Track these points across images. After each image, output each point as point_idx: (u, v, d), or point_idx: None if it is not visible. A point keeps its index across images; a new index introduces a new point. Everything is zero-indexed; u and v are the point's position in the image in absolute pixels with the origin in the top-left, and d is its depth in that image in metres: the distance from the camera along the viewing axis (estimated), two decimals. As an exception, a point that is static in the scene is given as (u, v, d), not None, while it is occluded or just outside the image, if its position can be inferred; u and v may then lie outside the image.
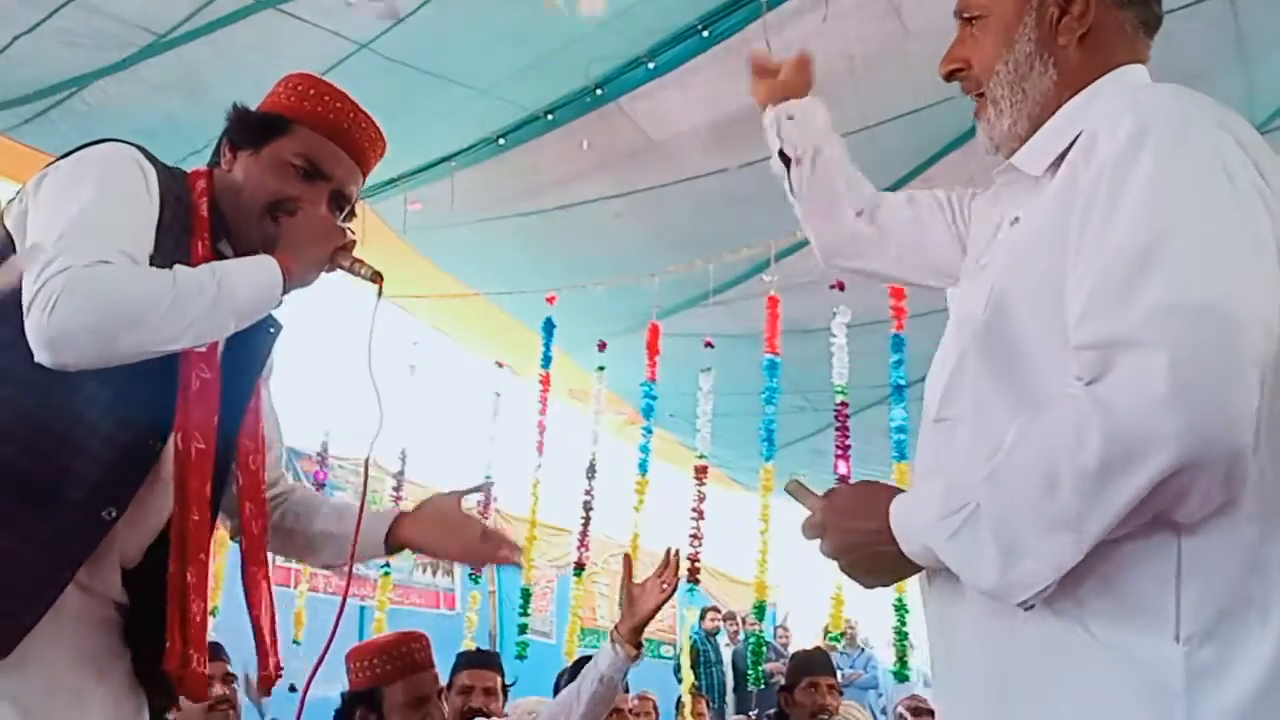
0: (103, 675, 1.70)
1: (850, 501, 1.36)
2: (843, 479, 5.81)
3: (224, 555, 6.83)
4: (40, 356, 1.48)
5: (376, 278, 1.86)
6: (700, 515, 6.54)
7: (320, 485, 7.50)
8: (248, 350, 1.85)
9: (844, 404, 5.84)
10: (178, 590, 1.63)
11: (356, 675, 3.02)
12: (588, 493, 6.98)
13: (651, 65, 5.04)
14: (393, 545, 2.07)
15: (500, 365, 7.55)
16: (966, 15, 1.47)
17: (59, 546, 1.58)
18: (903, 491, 1.30)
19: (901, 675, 6.54)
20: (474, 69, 5.07)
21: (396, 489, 7.64)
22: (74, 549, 1.60)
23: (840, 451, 5.82)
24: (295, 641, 6.92)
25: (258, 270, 1.68)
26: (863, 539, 1.31)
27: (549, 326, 6.86)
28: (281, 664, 1.91)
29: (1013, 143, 1.41)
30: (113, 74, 4.82)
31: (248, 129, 1.83)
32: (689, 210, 5.97)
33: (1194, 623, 1.12)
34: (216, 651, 3.71)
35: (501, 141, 5.63)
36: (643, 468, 6.76)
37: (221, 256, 1.74)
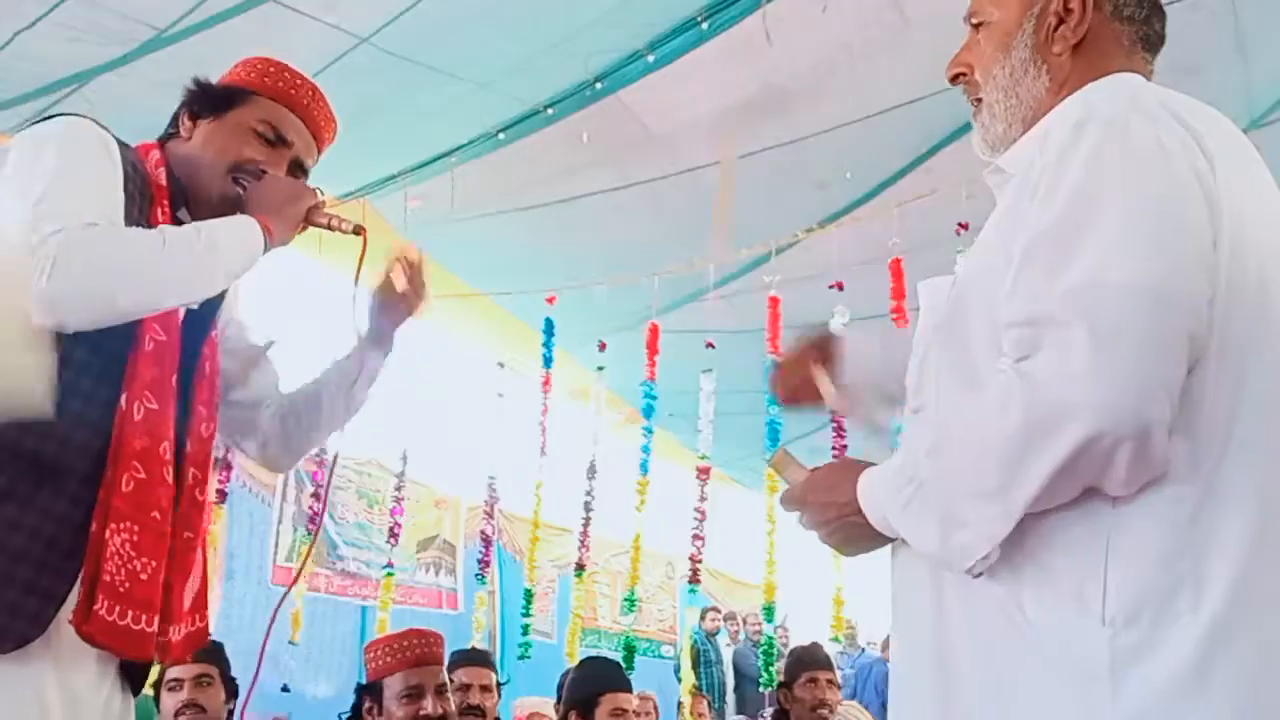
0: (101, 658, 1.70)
1: (826, 476, 1.44)
2: None
3: (218, 551, 6.85)
4: (38, 318, 1.49)
5: (359, 230, 1.90)
6: (703, 517, 6.55)
7: (319, 486, 7.49)
8: (199, 314, 1.85)
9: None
10: (95, 548, 1.60)
11: (367, 667, 3.14)
12: (588, 493, 6.97)
13: (651, 58, 5.06)
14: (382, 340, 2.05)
15: (501, 365, 7.54)
16: (974, 21, 1.51)
17: (77, 519, 1.60)
18: (873, 466, 1.36)
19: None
20: (474, 63, 5.08)
21: (398, 489, 7.60)
22: (87, 519, 1.61)
23: (836, 451, 5.82)
24: (291, 642, 6.89)
25: (241, 229, 1.73)
26: (837, 512, 1.37)
27: (549, 327, 6.87)
28: (209, 629, 1.86)
29: (1006, 146, 1.45)
30: (115, 69, 4.82)
31: (210, 98, 1.88)
32: (690, 202, 5.98)
33: (1119, 604, 1.13)
34: (213, 655, 3.59)
35: (501, 136, 5.63)
36: (644, 468, 6.76)
37: (180, 224, 1.76)
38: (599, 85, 5.24)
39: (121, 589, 1.60)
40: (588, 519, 7.00)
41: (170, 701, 3.38)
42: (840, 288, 5.57)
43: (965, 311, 1.32)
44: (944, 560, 1.23)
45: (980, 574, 1.20)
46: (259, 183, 1.82)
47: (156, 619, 1.66)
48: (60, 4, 4.37)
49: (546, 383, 6.98)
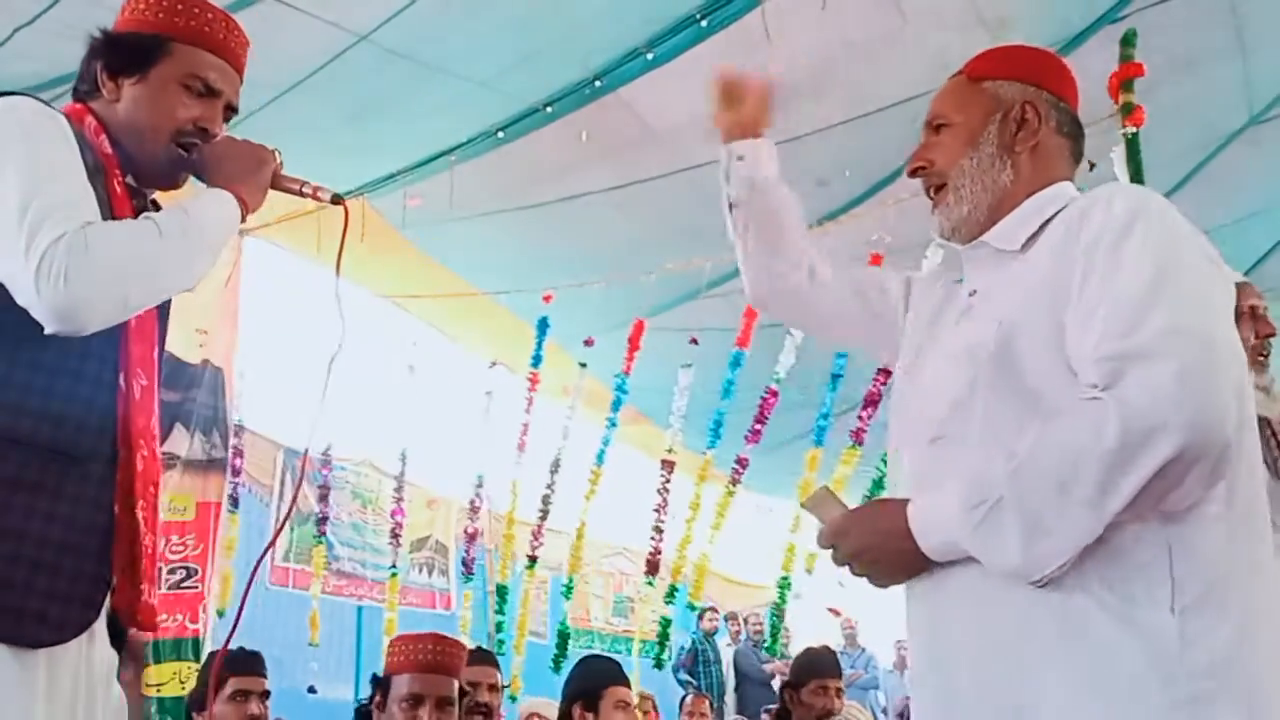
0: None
1: (872, 510, 1.67)
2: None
3: (231, 556, 6.84)
4: (53, 326, 1.49)
5: (338, 200, 1.87)
6: (663, 508, 6.58)
7: (325, 489, 7.50)
8: None
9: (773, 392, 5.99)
10: (127, 529, 1.62)
11: (386, 660, 3.14)
12: (549, 486, 7.00)
13: (650, 55, 5.06)
14: None
15: (493, 365, 7.53)
16: (936, 124, 1.74)
17: (105, 501, 1.61)
18: (914, 501, 1.54)
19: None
20: (473, 60, 5.08)
21: (397, 490, 7.59)
22: (111, 500, 1.63)
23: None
24: (311, 644, 6.89)
25: (219, 205, 1.72)
26: (883, 539, 1.55)
27: (543, 326, 6.87)
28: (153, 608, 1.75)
29: (968, 227, 1.69)
30: (113, 66, 4.80)
31: (128, 54, 1.77)
32: (689, 200, 5.97)
33: (1184, 598, 1.38)
34: (253, 664, 3.64)
35: (500, 134, 5.64)
36: (599, 458, 6.79)
37: (131, 190, 1.73)
38: (598, 83, 5.24)
39: (141, 567, 1.63)
40: (545, 512, 7.03)
41: (236, 714, 3.45)
42: None
43: (1016, 353, 1.51)
44: (1023, 568, 1.40)
45: (1045, 584, 1.40)
46: (216, 150, 1.77)
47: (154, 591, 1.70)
48: (59, 1, 4.35)
49: (534, 381, 6.99)
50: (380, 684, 3.06)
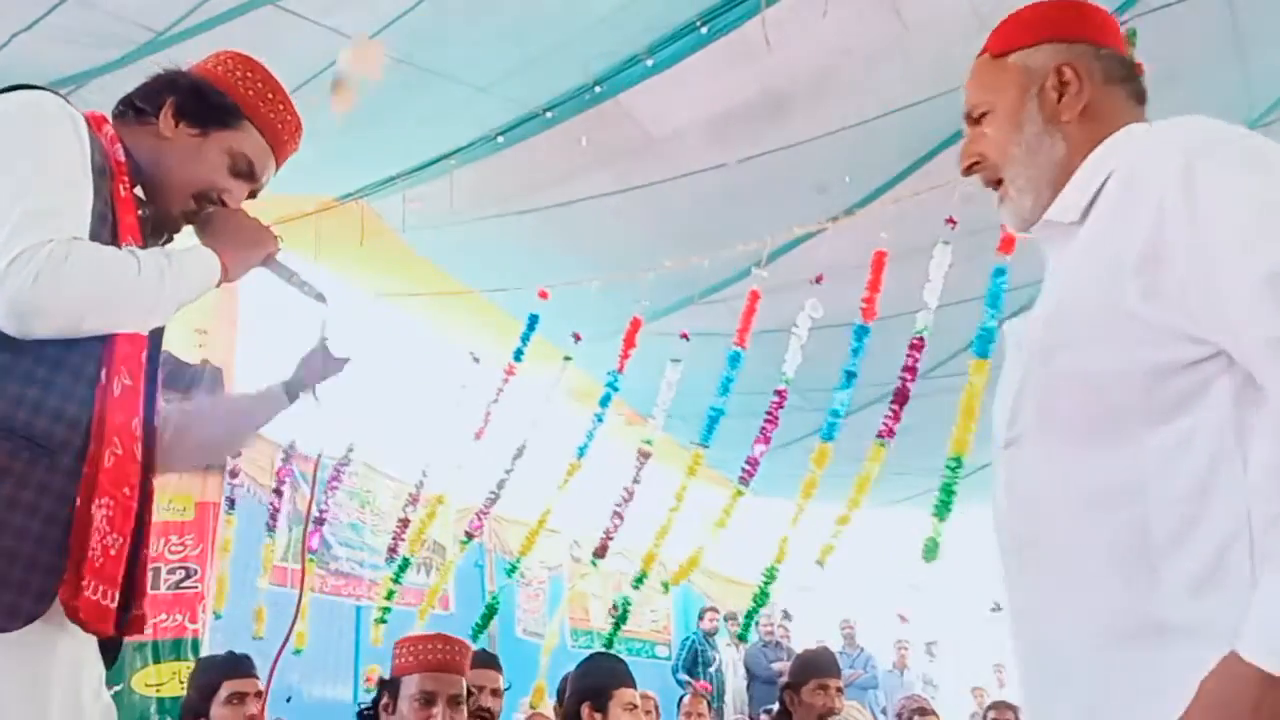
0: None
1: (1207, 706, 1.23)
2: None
3: (227, 556, 6.85)
4: (5, 323, 1.52)
5: (321, 298, 1.94)
6: (629, 496, 6.58)
7: (333, 488, 7.51)
8: None
9: (782, 392, 5.96)
10: (81, 524, 1.61)
11: (393, 662, 3.14)
12: (507, 471, 7.05)
13: (650, 62, 5.06)
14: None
15: (476, 360, 7.49)
16: (974, 115, 1.61)
17: (70, 494, 1.60)
18: (1212, 670, 1.21)
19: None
20: (473, 66, 5.08)
21: (412, 502, 7.53)
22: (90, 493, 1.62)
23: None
24: (296, 651, 6.86)
25: (202, 265, 1.75)
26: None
27: (533, 321, 6.87)
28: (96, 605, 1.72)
29: (1039, 214, 1.53)
30: (112, 72, 4.80)
31: (204, 109, 1.82)
32: (688, 206, 5.99)
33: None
34: (246, 667, 3.65)
35: (500, 139, 5.64)
36: (580, 451, 6.81)
37: (137, 200, 1.75)
38: (598, 89, 5.25)
39: (98, 565, 1.60)
40: (495, 496, 7.09)
41: (234, 717, 3.47)
42: (820, 281, 5.57)
43: (1067, 343, 1.38)
44: None
45: None
46: (221, 216, 1.82)
47: (118, 595, 1.66)
48: (58, 6, 4.35)
49: (510, 372, 6.99)
50: (388, 686, 3.07)
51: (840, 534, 5.57)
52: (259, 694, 3.57)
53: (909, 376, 5.24)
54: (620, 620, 7.30)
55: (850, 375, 5.56)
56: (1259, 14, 4.96)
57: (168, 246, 1.83)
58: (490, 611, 7.14)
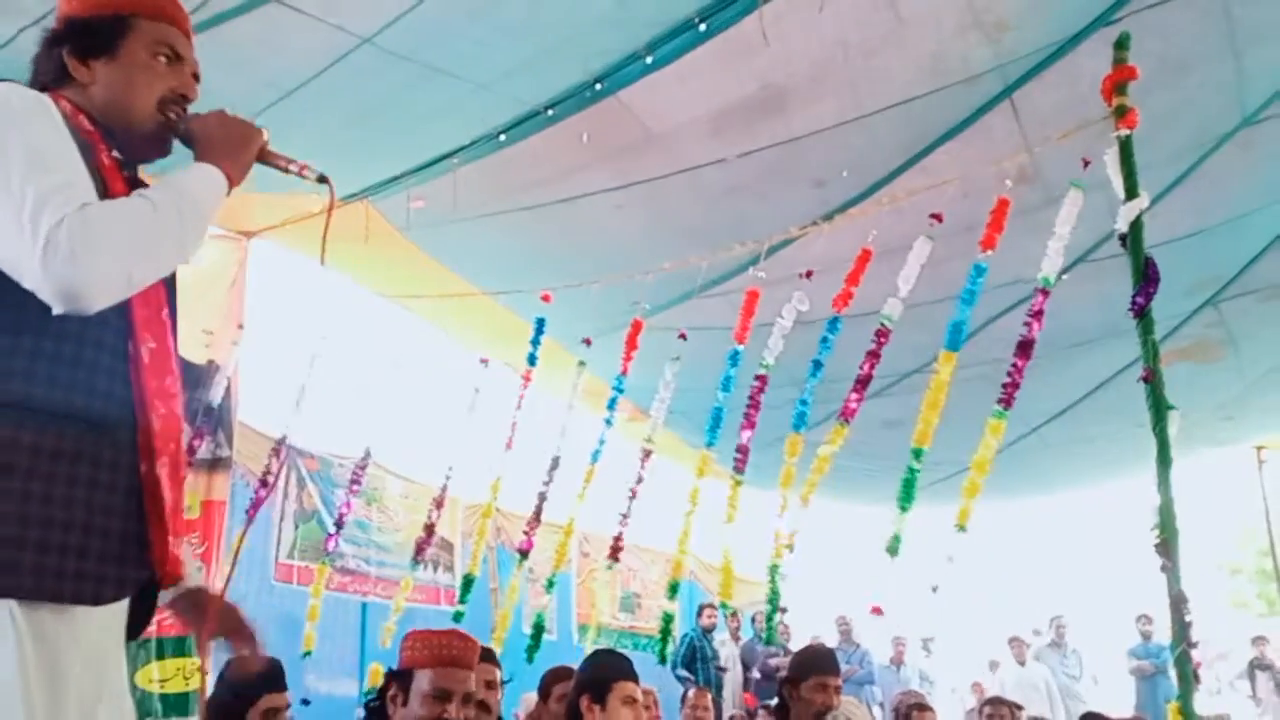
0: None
1: None
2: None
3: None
4: (60, 307, 1.52)
5: (324, 179, 1.91)
6: (634, 495, 6.63)
7: (353, 491, 7.56)
8: None
9: (762, 378, 6.00)
10: (154, 485, 1.67)
11: (401, 654, 3.16)
12: (545, 483, 7.06)
13: (650, 59, 5.09)
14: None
15: (484, 362, 7.55)
16: None
17: (131, 463, 1.66)
18: None
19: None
20: (474, 64, 5.10)
21: (437, 506, 7.55)
22: (137, 461, 1.67)
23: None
24: (305, 654, 6.91)
25: (207, 180, 1.76)
26: None
27: (540, 325, 6.92)
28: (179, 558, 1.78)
29: None
30: (117, 69, 4.84)
31: (95, 36, 1.81)
32: (688, 200, 6.02)
33: None
34: (282, 680, 3.59)
35: (502, 137, 5.67)
36: (594, 456, 6.84)
37: (119, 164, 1.77)
38: (598, 86, 5.27)
39: (169, 520, 1.68)
40: (539, 508, 7.09)
41: None
42: (809, 276, 5.61)
43: None
44: None
45: None
46: (208, 124, 1.82)
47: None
48: (62, 3, 4.39)
49: (527, 378, 7.04)
50: (398, 677, 3.08)
51: (800, 518, 5.61)
52: (288, 705, 3.56)
53: (873, 361, 5.30)
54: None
55: (818, 365, 5.62)
56: (1253, 10, 4.98)
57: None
58: (538, 631, 7.15)
